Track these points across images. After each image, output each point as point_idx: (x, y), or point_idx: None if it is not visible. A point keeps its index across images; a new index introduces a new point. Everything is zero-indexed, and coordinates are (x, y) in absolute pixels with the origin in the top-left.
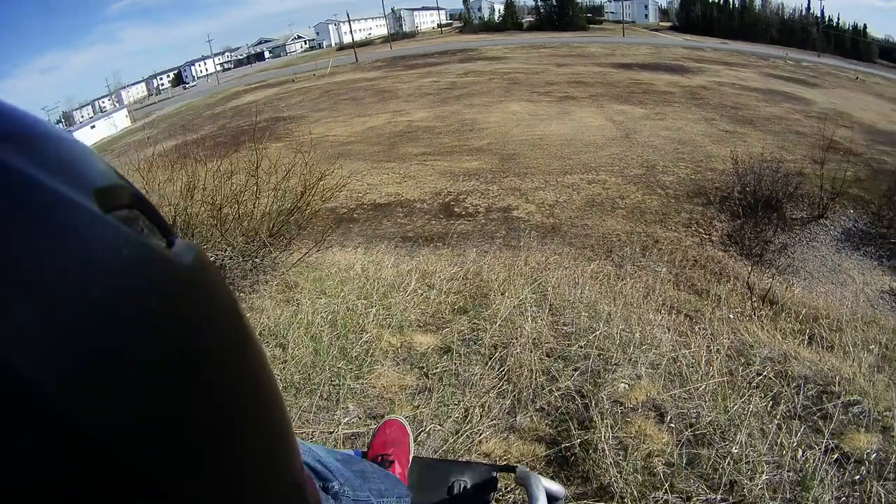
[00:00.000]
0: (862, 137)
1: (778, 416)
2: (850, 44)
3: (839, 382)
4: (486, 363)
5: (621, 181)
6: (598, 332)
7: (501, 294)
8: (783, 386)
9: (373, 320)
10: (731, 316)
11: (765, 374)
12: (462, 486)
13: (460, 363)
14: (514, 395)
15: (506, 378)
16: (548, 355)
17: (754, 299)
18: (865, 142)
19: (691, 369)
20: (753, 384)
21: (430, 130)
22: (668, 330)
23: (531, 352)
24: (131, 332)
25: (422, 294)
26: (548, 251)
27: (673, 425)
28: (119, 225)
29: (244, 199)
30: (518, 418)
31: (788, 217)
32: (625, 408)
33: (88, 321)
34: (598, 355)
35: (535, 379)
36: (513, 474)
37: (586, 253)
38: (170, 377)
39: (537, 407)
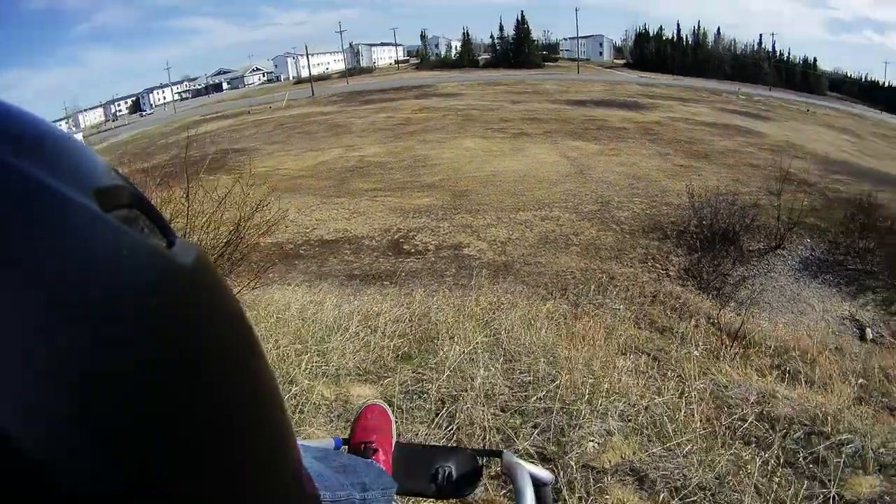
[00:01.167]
0: (815, 167)
1: (769, 467)
2: (801, 77)
3: (826, 420)
4: (433, 420)
5: (575, 217)
6: (559, 381)
7: (450, 338)
8: (768, 430)
9: (305, 369)
10: (696, 353)
11: (747, 418)
12: (446, 471)
13: (402, 420)
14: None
15: (454, 439)
16: (503, 409)
17: (723, 337)
18: (819, 171)
19: (667, 419)
20: (737, 432)
21: (382, 166)
22: (636, 373)
23: (484, 406)
24: (131, 332)
25: (363, 338)
26: (500, 290)
27: (657, 490)
28: (119, 225)
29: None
30: (502, 492)
31: (746, 249)
32: (597, 473)
33: (88, 321)
34: (561, 408)
35: (489, 439)
36: (499, 459)
37: (540, 292)
38: (170, 377)
39: (491, 473)
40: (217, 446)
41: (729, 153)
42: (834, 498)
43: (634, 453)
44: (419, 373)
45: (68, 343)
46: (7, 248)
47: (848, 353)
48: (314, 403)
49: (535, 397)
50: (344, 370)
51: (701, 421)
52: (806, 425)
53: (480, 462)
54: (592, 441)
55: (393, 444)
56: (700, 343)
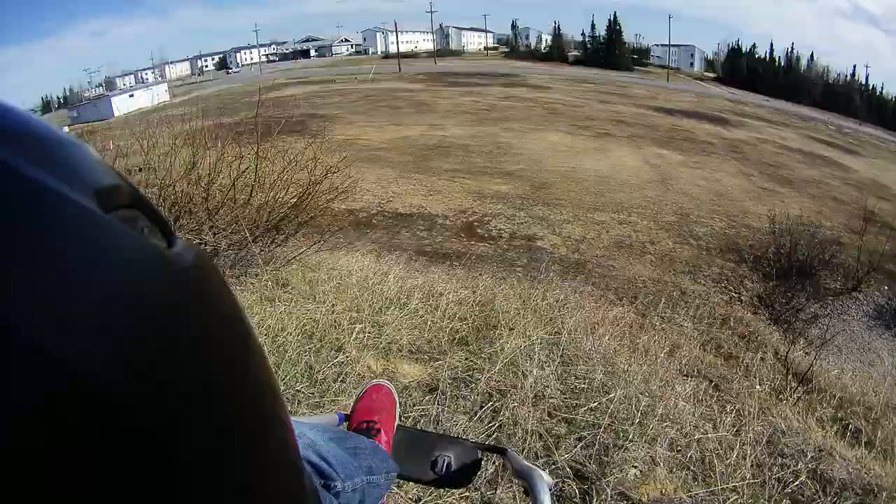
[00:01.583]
0: None
1: None
2: (893, 114)
3: (880, 494)
4: (476, 413)
5: (653, 226)
6: (612, 395)
7: (510, 330)
8: (818, 491)
9: (356, 339)
10: (759, 389)
11: (800, 474)
12: (446, 461)
13: (444, 408)
14: (500, 464)
15: (494, 437)
16: (550, 415)
17: (789, 377)
18: None
19: (716, 458)
20: (786, 487)
21: (464, 148)
22: (693, 400)
23: (531, 407)
24: (131, 333)
25: (422, 315)
26: (569, 288)
27: None
28: (119, 225)
29: (242, 186)
30: (499, 492)
31: (822, 286)
32: None
33: (88, 321)
34: (610, 425)
35: (530, 444)
36: (497, 455)
37: (609, 296)
38: (169, 377)
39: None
40: (216, 445)
41: (813, 183)
42: None
43: (676, 490)
44: (471, 360)
45: (68, 343)
46: (7, 249)
47: None
48: (358, 374)
49: (585, 407)
50: (396, 345)
51: (752, 466)
52: (858, 494)
53: (480, 456)
54: (635, 467)
55: (395, 427)
56: (764, 379)
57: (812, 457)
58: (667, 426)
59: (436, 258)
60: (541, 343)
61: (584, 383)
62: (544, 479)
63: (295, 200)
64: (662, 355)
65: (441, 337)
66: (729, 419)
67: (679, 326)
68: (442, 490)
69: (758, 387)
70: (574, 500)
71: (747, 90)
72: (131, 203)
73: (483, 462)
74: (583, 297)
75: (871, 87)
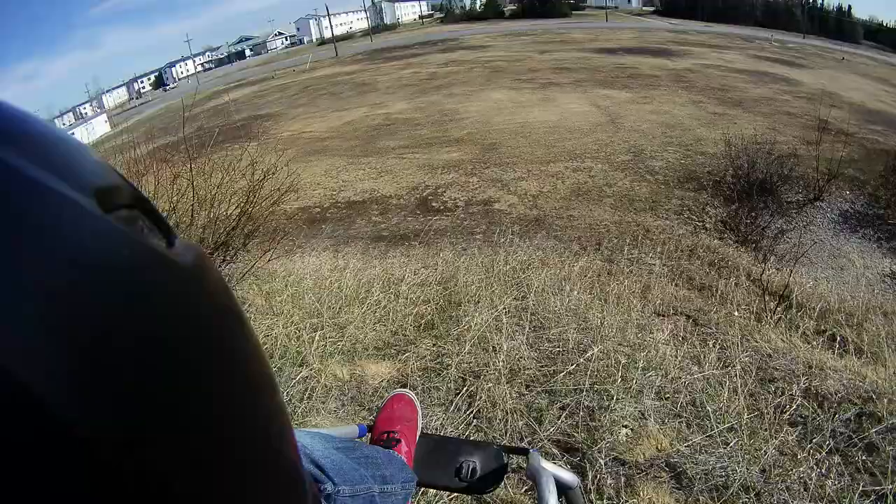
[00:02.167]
0: (853, 117)
1: (818, 457)
2: (835, 25)
3: (878, 399)
4: (451, 402)
5: (608, 168)
6: (590, 353)
7: (476, 304)
8: (816, 410)
9: (318, 347)
10: (736, 313)
11: (794, 396)
12: (471, 466)
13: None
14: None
15: (473, 423)
16: (528, 388)
17: (767, 299)
18: (857, 122)
19: (707, 398)
20: (783, 413)
21: (409, 122)
22: (673, 341)
23: (507, 384)
24: (131, 333)
25: (384, 306)
26: (531, 247)
27: (696, 491)
28: (119, 225)
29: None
30: (511, 491)
31: (784, 200)
32: (629, 468)
33: (89, 321)
34: (592, 386)
35: (512, 424)
36: (524, 457)
37: (573, 247)
38: (169, 378)
39: (513, 467)
40: (217, 448)
41: (764, 101)
42: (887, 496)
43: (672, 443)
44: (439, 346)
45: (68, 343)
46: (7, 249)
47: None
48: (325, 386)
49: (563, 372)
50: (361, 345)
51: (745, 399)
52: (856, 404)
53: (506, 459)
54: (626, 426)
55: (417, 435)
56: (741, 304)
57: (804, 375)
58: (651, 375)
59: (394, 241)
60: (508, 312)
61: (559, 346)
62: (566, 480)
63: (238, 211)
64: (636, 299)
65: (406, 326)
66: (713, 354)
67: (648, 265)
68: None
69: (736, 313)
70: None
71: (688, 19)
72: (131, 203)
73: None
74: (547, 254)
75: (811, 0)
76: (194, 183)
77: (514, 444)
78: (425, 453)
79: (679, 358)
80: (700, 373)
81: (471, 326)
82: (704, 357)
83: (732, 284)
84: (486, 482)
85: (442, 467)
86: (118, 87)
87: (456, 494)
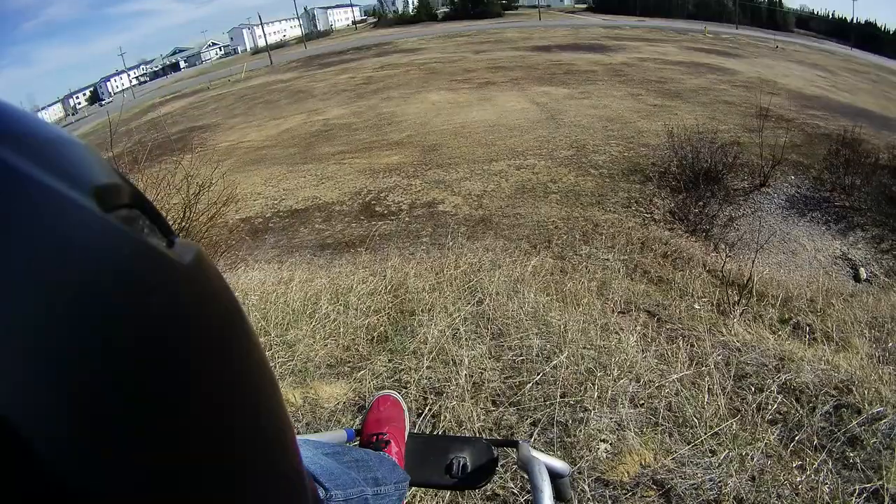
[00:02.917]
0: (791, 103)
1: (805, 456)
2: (767, 14)
3: (852, 388)
4: (414, 425)
5: (551, 164)
6: (555, 360)
7: (429, 311)
8: (794, 405)
9: None
10: (696, 306)
11: (771, 393)
12: (461, 462)
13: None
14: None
15: None
16: (494, 403)
17: (730, 291)
18: (796, 107)
19: (685, 402)
20: (763, 412)
21: (347, 127)
22: (639, 341)
23: (472, 400)
24: (132, 332)
25: (333, 319)
26: (480, 248)
27: None
28: (119, 224)
29: None
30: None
31: (731, 188)
32: (615, 489)
33: (88, 321)
34: (563, 396)
35: None
36: (514, 450)
37: (523, 246)
38: (170, 378)
39: (487, 494)
40: (217, 449)
41: (702, 91)
42: (874, 492)
43: (656, 457)
44: (396, 361)
45: (68, 343)
46: (6, 249)
47: (857, 301)
48: None
49: (530, 383)
50: (312, 364)
51: (722, 399)
52: (833, 396)
53: (496, 453)
54: (604, 441)
55: (406, 435)
56: (701, 295)
57: (776, 368)
58: (622, 380)
59: (339, 249)
60: (465, 319)
61: (522, 354)
62: (557, 469)
63: (175, 228)
64: (593, 297)
65: (358, 340)
66: (682, 353)
67: (601, 261)
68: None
69: (696, 306)
70: None
71: (621, 14)
72: (131, 202)
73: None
74: (497, 255)
75: None
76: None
77: (502, 439)
78: (415, 453)
79: (648, 358)
80: (673, 374)
81: (427, 338)
82: (674, 356)
83: (689, 276)
84: (477, 477)
85: (433, 465)
86: (53, 103)
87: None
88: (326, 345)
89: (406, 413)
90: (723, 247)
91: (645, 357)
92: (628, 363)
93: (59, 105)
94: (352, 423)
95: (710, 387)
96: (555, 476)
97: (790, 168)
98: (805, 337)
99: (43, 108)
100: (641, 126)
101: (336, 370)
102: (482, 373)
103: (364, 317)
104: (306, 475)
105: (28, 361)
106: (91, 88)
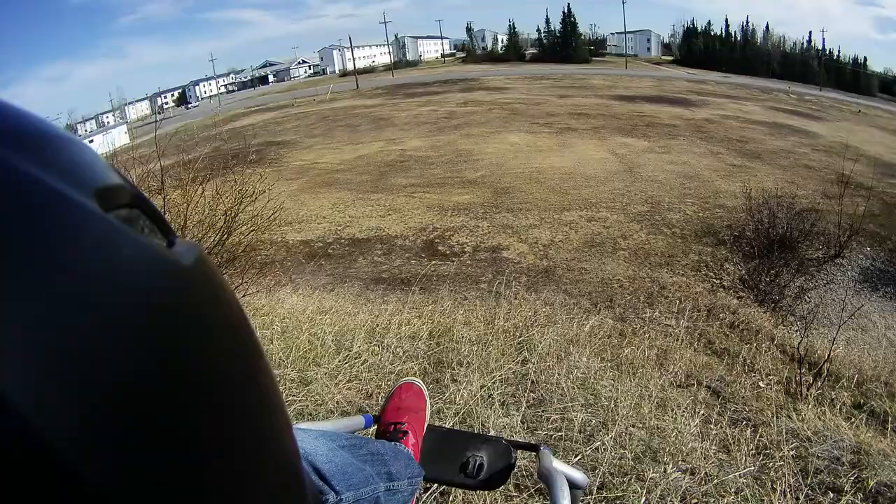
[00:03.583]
0: (871, 171)
1: None
2: (851, 77)
3: None
4: (420, 501)
5: (623, 218)
6: (599, 441)
7: (466, 365)
8: None
9: None
10: (762, 384)
11: (842, 490)
12: (478, 461)
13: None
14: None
15: None
16: (517, 487)
17: (802, 371)
18: (875, 175)
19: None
20: None
21: (423, 160)
22: (696, 420)
23: None
24: (132, 332)
25: (364, 360)
26: (539, 301)
27: None
28: (119, 225)
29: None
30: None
31: (804, 257)
32: None
33: (89, 321)
34: (600, 489)
35: None
36: (534, 454)
37: (583, 303)
38: (171, 377)
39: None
40: (218, 451)
41: (782, 154)
42: None
43: None
44: None
45: (69, 343)
46: (7, 249)
47: None
48: None
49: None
50: (324, 408)
51: (792, 499)
52: None
53: (514, 456)
54: None
55: (425, 427)
56: (768, 373)
57: (850, 464)
58: (674, 473)
59: (393, 284)
60: (504, 379)
61: (562, 429)
62: (575, 479)
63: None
64: (650, 366)
65: (385, 387)
66: (745, 444)
67: (664, 326)
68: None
69: (762, 384)
70: None
71: (706, 69)
72: (131, 202)
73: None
74: (554, 310)
75: (828, 52)
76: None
77: (523, 441)
78: (432, 446)
79: (706, 444)
80: (734, 469)
81: (455, 398)
82: (736, 443)
83: (756, 350)
84: (492, 479)
85: (449, 461)
86: (142, 99)
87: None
88: (349, 387)
89: (428, 403)
90: (791, 319)
91: (703, 444)
92: (684, 451)
93: (146, 102)
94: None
95: (776, 485)
96: (572, 485)
97: (866, 238)
98: (879, 427)
99: (131, 103)
100: (719, 186)
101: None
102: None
103: (400, 362)
104: (306, 482)
105: (28, 361)
106: (180, 90)
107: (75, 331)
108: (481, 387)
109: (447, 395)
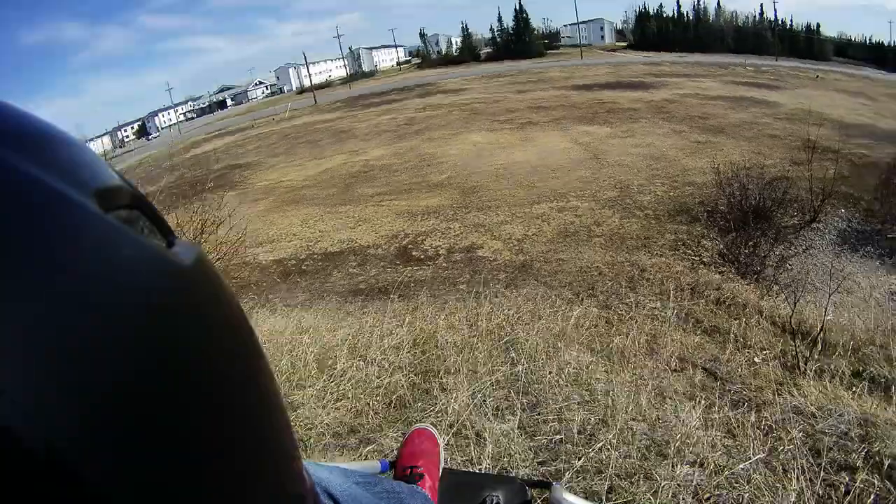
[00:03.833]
0: (835, 133)
1: None
2: (806, 44)
3: None
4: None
5: (595, 205)
6: (601, 441)
7: (454, 372)
8: (889, 488)
9: None
10: (757, 359)
11: (856, 471)
12: (494, 501)
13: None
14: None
15: None
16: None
17: (797, 344)
18: (840, 137)
19: (757, 493)
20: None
21: (387, 168)
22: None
23: None
24: (132, 333)
25: (350, 377)
26: (520, 297)
27: None
28: (119, 225)
29: None
30: None
31: (780, 226)
32: None
33: (89, 321)
34: (609, 492)
35: None
36: (547, 491)
37: (565, 294)
38: (171, 378)
39: None
40: (218, 456)
41: (745, 125)
42: None
43: None
44: None
45: (68, 343)
46: (7, 249)
47: None
48: None
49: (570, 471)
50: (315, 431)
51: (807, 489)
52: None
53: (530, 494)
54: None
55: (440, 470)
56: (762, 347)
57: (859, 437)
58: (683, 467)
59: (371, 294)
60: (495, 384)
61: (561, 432)
62: None
63: None
64: (642, 352)
65: (374, 404)
66: (748, 422)
67: (649, 309)
68: None
69: (757, 359)
70: None
71: (661, 51)
72: (131, 203)
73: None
74: (536, 304)
75: (780, 22)
76: None
77: (536, 479)
78: (449, 488)
79: (712, 434)
80: (742, 456)
81: (447, 408)
82: (740, 428)
83: (745, 324)
84: None
85: (466, 502)
86: (102, 135)
87: None
88: (337, 407)
89: (441, 447)
90: (776, 289)
91: (708, 432)
92: (689, 442)
93: (107, 137)
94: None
95: (788, 470)
96: None
97: (840, 201)
98: (882, 394)
99: (91, 139)
100: (686, 164)
101: (342, 441)
102: (510, 454)
103: (387, 375)
104: (312, 496)
105: (28, 361)
106: (139, 122)
107: (75, 331)
108: (472, 394)
109: (438, 406)
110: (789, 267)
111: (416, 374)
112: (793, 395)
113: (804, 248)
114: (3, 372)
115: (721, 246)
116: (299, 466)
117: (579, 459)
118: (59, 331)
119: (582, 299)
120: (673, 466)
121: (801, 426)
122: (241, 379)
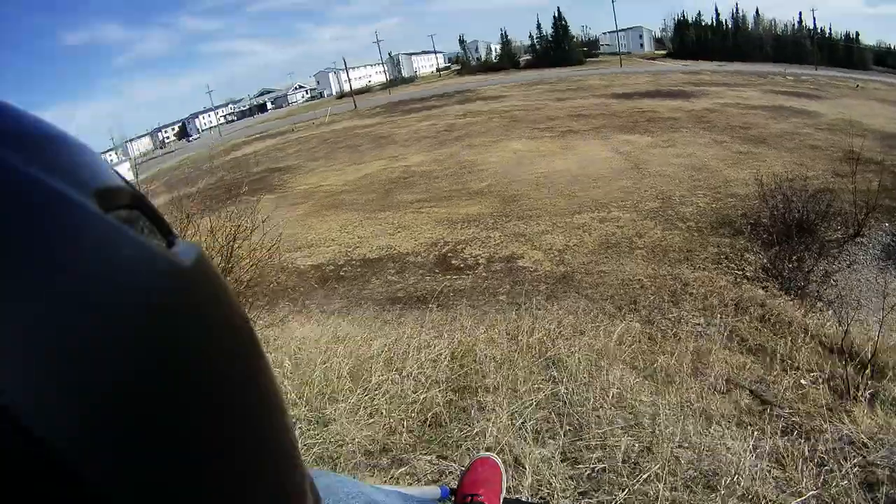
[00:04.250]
0: (878, 145)
1: None
2: (845, 53)
3: None
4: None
5: (636, 217)
6: (646, 471)
7: (493, 390)
8: None
9: None
10: (803, 381)
11: None
12: None
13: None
14: None
15: None
16: None
17: (848, 369)
18: (882, 148)
19: None
20: None
21: (427, 175)
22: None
23: None
24: (132, 333)
25: (385, 392)
26: (561, 310)
27: None
28: (119, 225)
29: None
30: None
31: (824, 239)
32: None
33: (89, 321)
34: None
35: None
36: None
37: (606, 307)
38: (171, 378)
39: None
40: (218, 457)
41: (787, 136)
42: None
43: None
44: (445, 455)
45: (68, 343)
46: (7, 249)
47: None
48: None
49: (613, 503)
50: (346, 449)
51: None
52: None
53: None
54: None
55: (501, 499)
56: (810, 369)
57: None
58: (732, 500)
59: (410, 303)
60: (536, 404)
61: (604, 459)
62: None
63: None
64: (687, 373)
65: (408, 420)
66: (798, 452)
67: (693, 326)
68: None
69: (803, 381)
70: None
71: (700, 60)
72: (131, 203)
73: None
74: (578, 318)
75: (819, 30)
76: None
77: None
78: None
79: (762, 466)
80: (793, 490)
81: (484, 432)
82: (789, 457)
83: (791, 343)
84: None
85: None
86: (143, 136)
87: None
88: (370, 424)
89: (504, 477)
90: (820, 305)
91: (757, 464)
92: (734, 470)
93: (147, 138)
94: None
95: None
96: None
97: (883, 214)
98: None
99: (132, 140)
100: (728, 175)
101: (373, 461)
102: (551, 484)
103: (423, 389)
104: (312, 496)
105: (28, 361)
106: (179, 124)
107: (75, 331)
108: (512, 415)
109: (476, 427)
110: (833, 283)
111: (453, 391)
112: (842, 423)
113: (848, 263)
114: (3, 372)
115: (764, 260)
116: (299, 466)
117: (623, 491)
118: (59, 331)
119: (624, 314)
120: (723, 501)
121: (854, 458)
122: (241, 379)
